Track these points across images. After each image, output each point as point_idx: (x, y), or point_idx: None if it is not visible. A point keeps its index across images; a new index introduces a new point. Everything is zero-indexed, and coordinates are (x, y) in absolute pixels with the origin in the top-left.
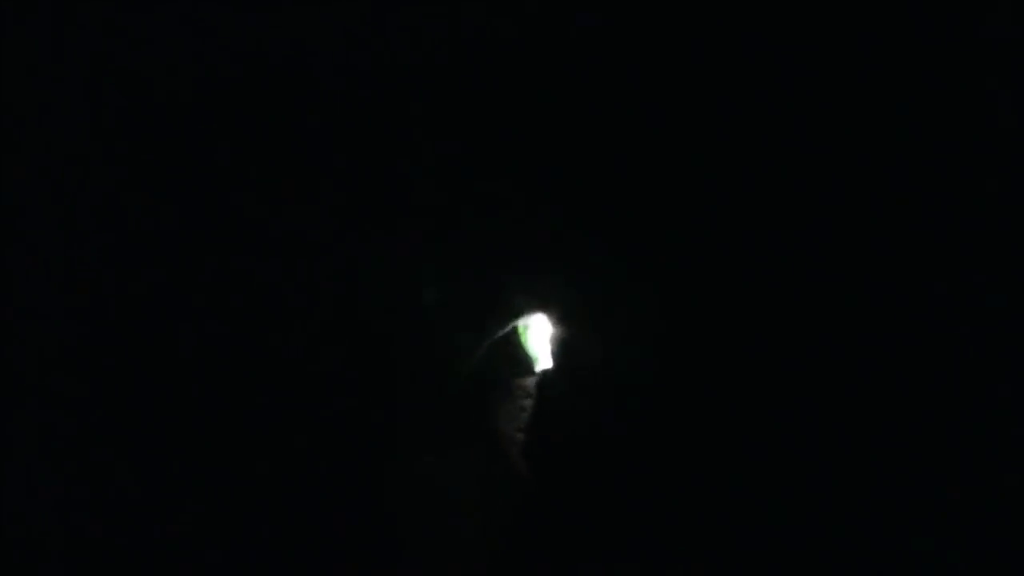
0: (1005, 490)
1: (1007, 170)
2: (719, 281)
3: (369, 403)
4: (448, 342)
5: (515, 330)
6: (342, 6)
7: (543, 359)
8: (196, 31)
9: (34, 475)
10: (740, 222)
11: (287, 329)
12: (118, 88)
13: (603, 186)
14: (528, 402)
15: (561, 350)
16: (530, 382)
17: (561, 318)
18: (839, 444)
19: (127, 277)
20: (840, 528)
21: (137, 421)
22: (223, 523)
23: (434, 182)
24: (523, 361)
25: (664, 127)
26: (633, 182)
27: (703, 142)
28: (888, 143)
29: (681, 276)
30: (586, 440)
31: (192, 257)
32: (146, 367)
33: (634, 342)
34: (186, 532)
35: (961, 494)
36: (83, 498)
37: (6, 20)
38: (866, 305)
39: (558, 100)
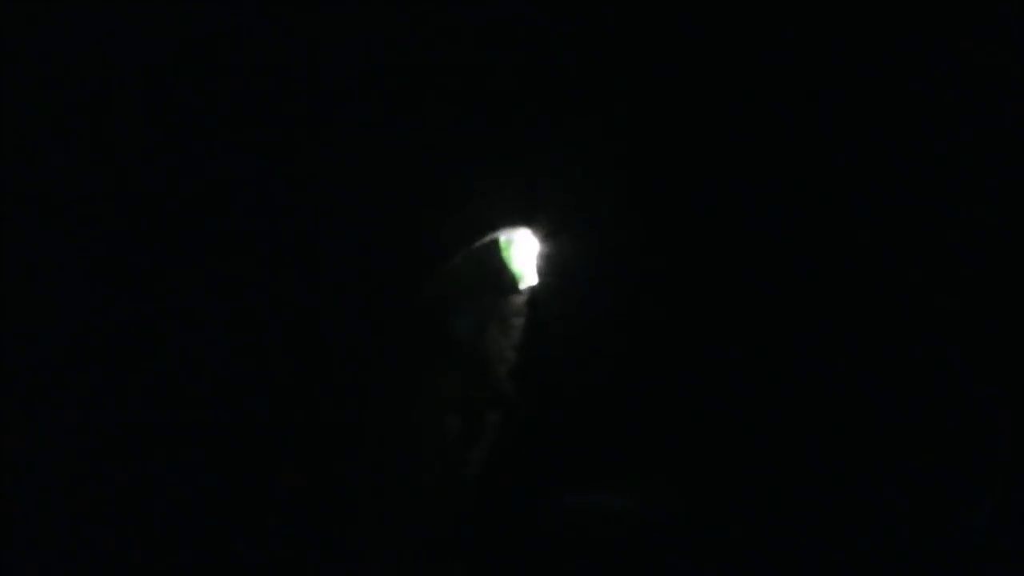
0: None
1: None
2: (723, 200)
3: (336, 319)
4: (417, 253)
5: (495, 244)
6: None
7: (528, 276)
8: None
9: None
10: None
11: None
12: (123, 89)
13: (594, 90)
14: (518, 320)
15: (551, 267)
16: (519, 300)
17: (549, 233)
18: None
19: (129, 280)
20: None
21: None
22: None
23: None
24: (506, 278)
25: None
26: (630, 88)
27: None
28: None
29: (681, 191)
30: (581, 362)
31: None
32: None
33: (629, 260)
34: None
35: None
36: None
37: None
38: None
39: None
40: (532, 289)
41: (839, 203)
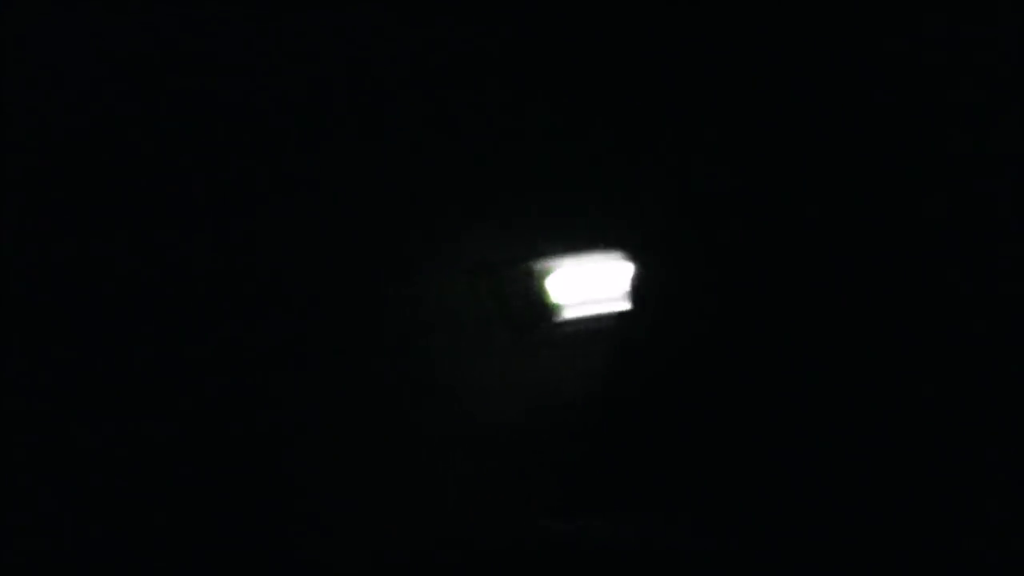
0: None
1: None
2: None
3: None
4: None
5: (531, 267)
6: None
7: (568, 307)
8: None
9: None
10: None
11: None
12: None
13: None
14: (555, 354)
15: (596, 298)
16: (552, 331)
17: (601, 259)
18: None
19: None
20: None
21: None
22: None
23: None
24: (540, 306)
25: None
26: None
27: None
28: None
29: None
30: (607, 399)
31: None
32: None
33: (713, 288)
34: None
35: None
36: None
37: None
38: None
39: None
40: (572, 321)
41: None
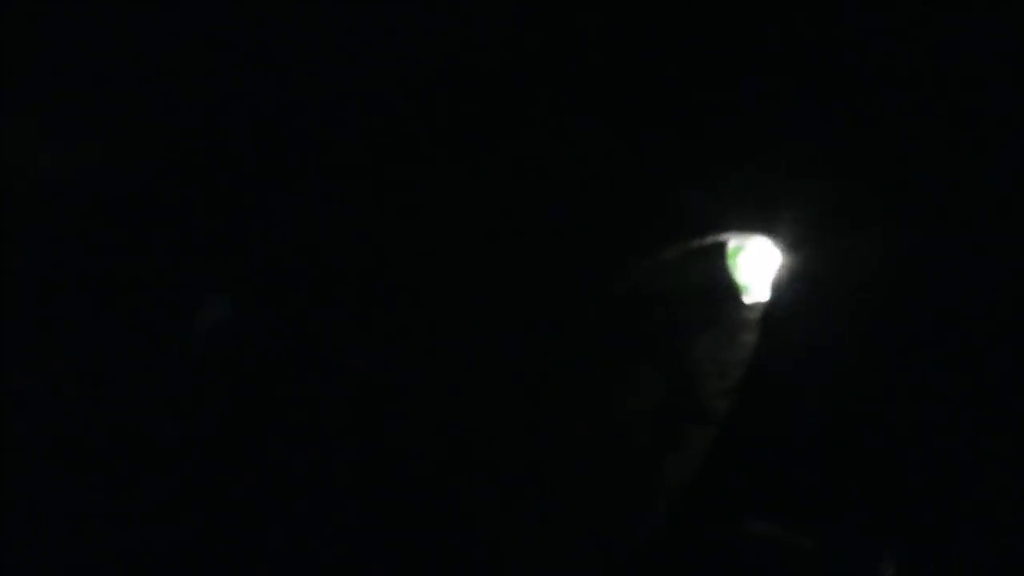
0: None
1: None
2: None
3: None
4: (616, 249)
5: (720, 247)
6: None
7: (756, 289)
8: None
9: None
10: None
11: None
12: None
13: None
14: (748, 337)
15: (791, 283)
16: (751, 314)
17: (792, 243)
18: None
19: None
20: None
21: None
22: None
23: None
24: (730, 287)
25: None
26: None
27: None
28: None
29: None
30: (811, 389)
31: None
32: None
33: (891, 281)
34: None
35: None
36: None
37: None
38: None
39: None
40: (766, 304)
41: None
